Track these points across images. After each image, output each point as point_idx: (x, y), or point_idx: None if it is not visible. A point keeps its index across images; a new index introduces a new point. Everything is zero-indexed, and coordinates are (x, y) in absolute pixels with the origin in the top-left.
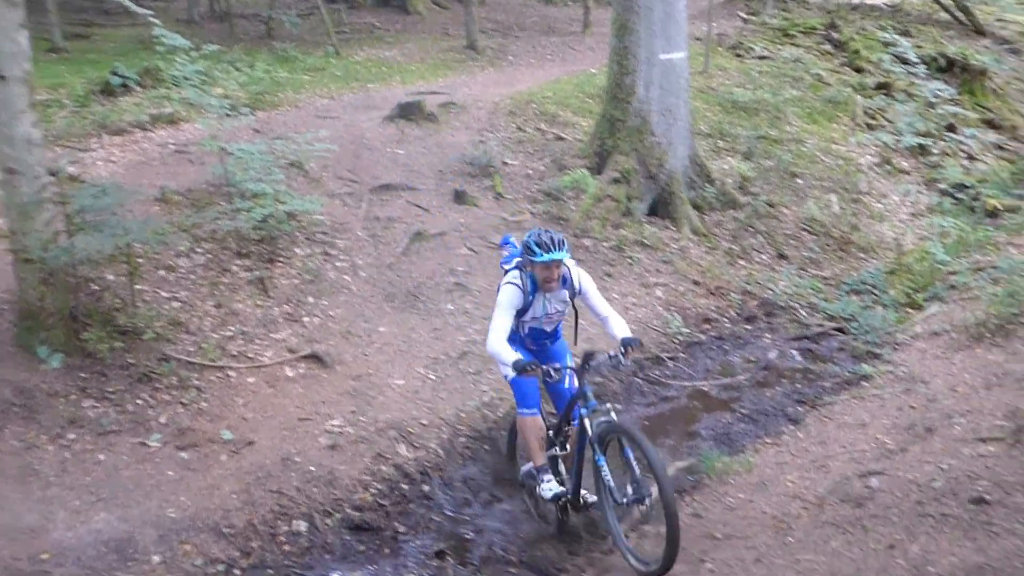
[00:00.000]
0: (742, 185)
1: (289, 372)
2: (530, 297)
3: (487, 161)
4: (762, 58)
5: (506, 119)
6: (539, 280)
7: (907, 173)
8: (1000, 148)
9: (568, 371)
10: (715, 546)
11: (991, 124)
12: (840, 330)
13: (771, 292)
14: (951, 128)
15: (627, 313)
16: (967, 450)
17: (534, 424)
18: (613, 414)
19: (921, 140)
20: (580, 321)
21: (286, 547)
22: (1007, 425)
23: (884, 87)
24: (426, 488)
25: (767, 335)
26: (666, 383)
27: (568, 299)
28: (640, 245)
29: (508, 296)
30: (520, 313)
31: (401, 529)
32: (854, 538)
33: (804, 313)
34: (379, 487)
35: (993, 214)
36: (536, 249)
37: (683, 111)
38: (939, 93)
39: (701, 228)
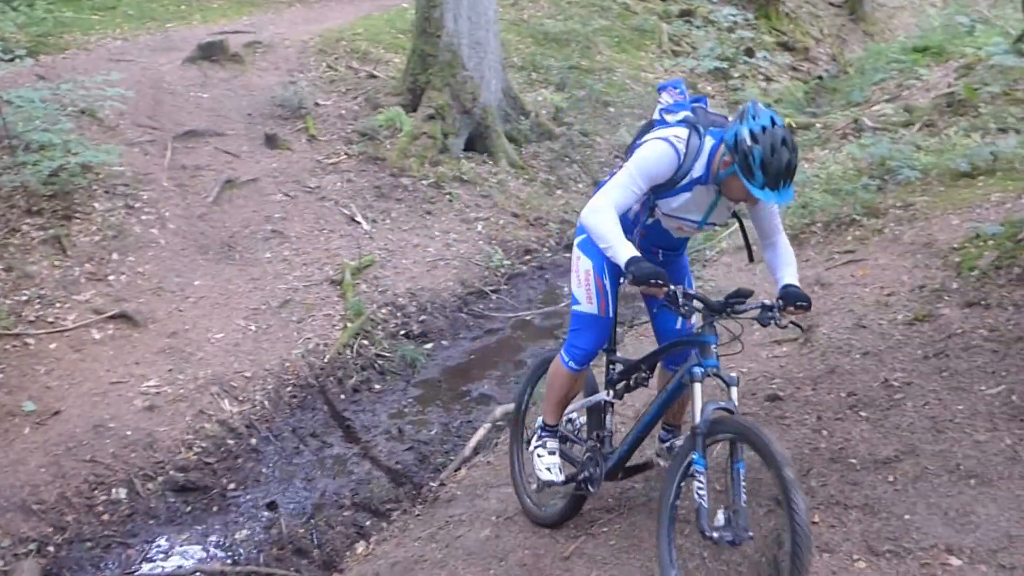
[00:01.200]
0: (556, 116)
1: (96, 334)
2: (689, 178)
3: (298, 102)
4: None
5: (316, 58)
6: (724, 187)
7: (711, 96)
8: (794, 69)
9: (762, 313)
10: None
11: (785, 46)
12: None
13: None
14: (749, 52)
15: (449, 250)
16: (764, 353)
17: (572, 381)
18: (736, 402)
19: (721, 64)
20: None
21: (105, 517)
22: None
23: (687, 14)
24: (254, 441)
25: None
26: (491, 316)
27: (733, 207)
28: (459, 181)
29: (655, 156)
30: (660, 193)
31: (230, 486)
32: None
33: None
34: (203, 445)
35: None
36: (755, 171)
37: (493, 44)
38: (734, 18)
39: (518, 161)
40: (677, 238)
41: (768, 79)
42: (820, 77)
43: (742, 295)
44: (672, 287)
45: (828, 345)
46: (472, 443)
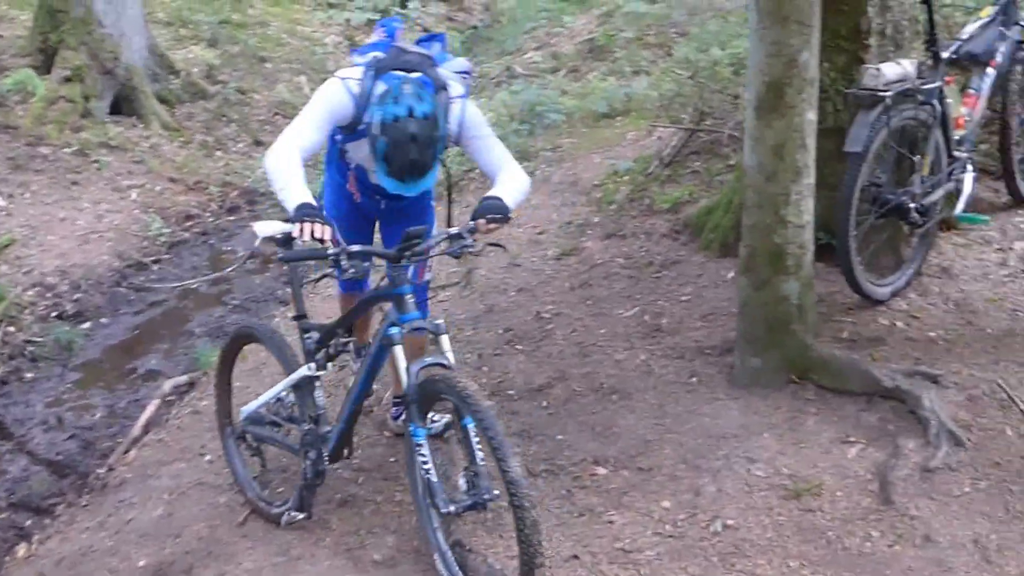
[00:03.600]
0: (210, 74)
1: None
2: (365, 123)
3: None
4: None
5: None
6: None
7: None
8: (450, 19)
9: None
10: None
11: None
12: None
13: (250, 180)
14: (405, 3)
15: (101, 221)
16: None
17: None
18: (450, 355)
19: (375, 16)
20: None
21: None
22: (459, 269)
23: None
24: None
25: (251, 224)
26: (153, 288)
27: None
28: (107, 147)
29: (326, 95)
30: (346, 137)
31: None
32: None
33: None
34: None
35: None
36: (378, 159)
37: None
38: None
39: (171, 123)
40: None
41: (426, 30)
42: (475, 27)
43: (414, 234)
44: (336, 248)
45: (486, 285)
46: (141, 422)
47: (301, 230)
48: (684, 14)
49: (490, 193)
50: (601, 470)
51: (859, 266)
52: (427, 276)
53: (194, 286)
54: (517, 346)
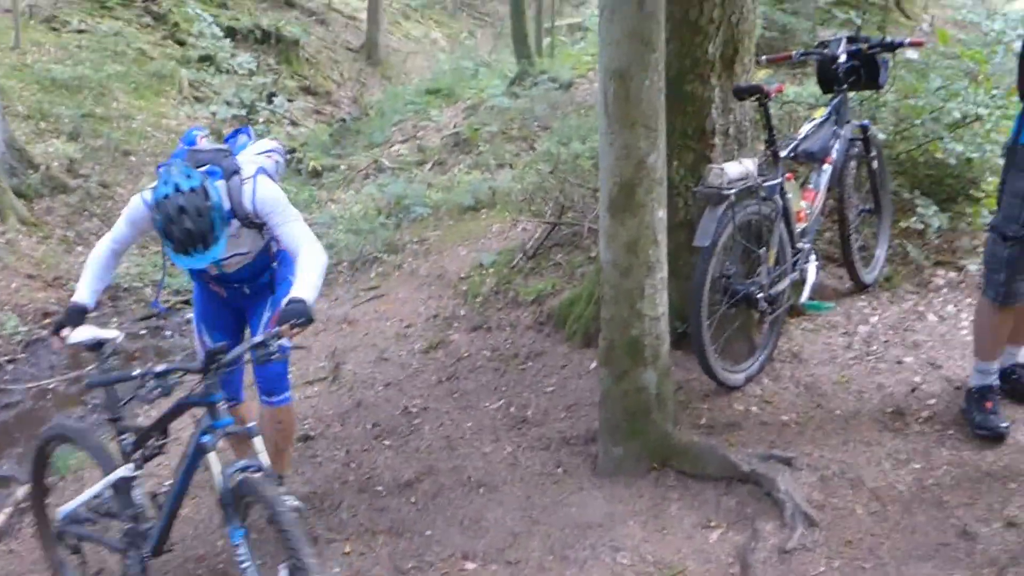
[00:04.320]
0: (71, 168)
1: None
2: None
3: None
4: (81, 32)
5: None
6: None
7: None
8: (318, 112)
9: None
10: None
11: (308, 90)
12: (187, 302)
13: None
14: (273, 96)
15: None
16: (297, 394)
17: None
18: (263, 456)
19: (239, 111)
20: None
21: None
22: (328, 364)
23: (207, 59)
24: None
25: (114, 320)
26: (6, 389)
27: (239, 232)
28: None
29: (128, 207)
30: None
31: None
32: None
33: (150, 291)
34: None
35: (316, 174)
36: (162, 237)
37: None
38: (247, 65)
39: (29, 218)
40: (236, 271)
41: (294, 123)
42: (344, 120)
43: (220, 351)
44: (141, 369)
45: (355, 380)
46: None
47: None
48: (546, 108)
49: (292, 295)
50: (470, 565)
51: (714, 354)
52: (286, 344)
53: (52, 385)
54: (385, 441)
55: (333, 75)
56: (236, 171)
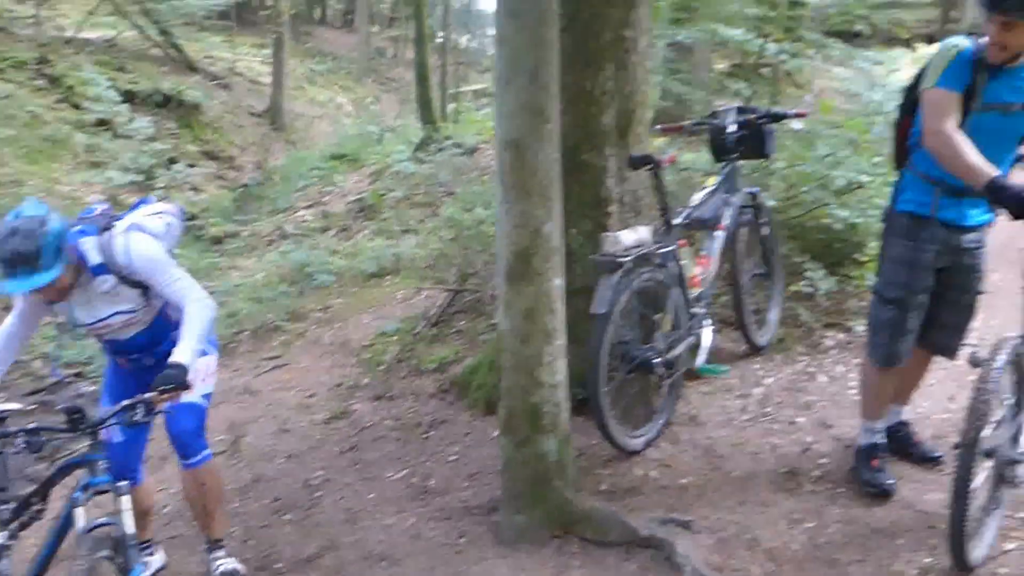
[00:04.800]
0: None
1: None
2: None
3: None
4: None
5: None
6: None
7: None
8: (220, 178)
9: (120, 415)
10: None
11: (211, 155)
12: (79, 375)
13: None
14: (173, 161)
15: None
16: None
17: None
18: (127, 515)
19: (137, 177)
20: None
21: None
22: (227, 437)
23: (104, 123)
24: None
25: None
26: None
27: (117, 288)
28: None
29: None
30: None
31: None
32: None
33: (39, 364)
34: None
35: (218, 240)
36: None
37: None
38: (146, 130)
39: None
40: (131, 338)
41: (195, 189)
42: (246, 185)
43: (78, 409)
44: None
45: (254, 453)
46: None
47: None
48: (450, 174)
49: (172, 359)
50: None
51: (613, 420)
52: (199, 396)
53: None
54: (285, 516)
55: (236, 140)
56: (108, 227)
